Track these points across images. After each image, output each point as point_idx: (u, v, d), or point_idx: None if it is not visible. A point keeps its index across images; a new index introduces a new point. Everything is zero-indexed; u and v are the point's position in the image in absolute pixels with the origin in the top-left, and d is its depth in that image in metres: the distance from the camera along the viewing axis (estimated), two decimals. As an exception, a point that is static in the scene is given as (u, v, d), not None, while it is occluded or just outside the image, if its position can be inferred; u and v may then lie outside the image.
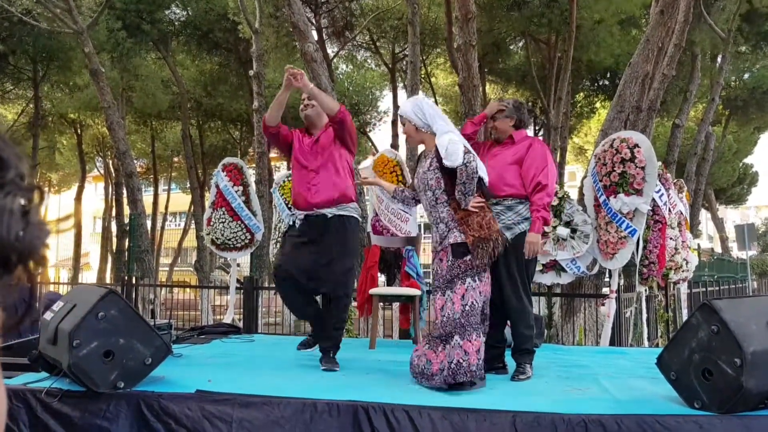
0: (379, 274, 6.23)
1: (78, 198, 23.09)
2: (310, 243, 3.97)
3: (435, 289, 3.49)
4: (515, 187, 3.84)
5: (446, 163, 3.33)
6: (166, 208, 26.18)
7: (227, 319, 7.21)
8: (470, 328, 3.33)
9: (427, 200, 3.52)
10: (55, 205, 32.46)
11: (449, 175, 3.41)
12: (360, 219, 4.06)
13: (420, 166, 3.64)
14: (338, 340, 4.06)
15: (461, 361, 3.27)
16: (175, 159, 24.93)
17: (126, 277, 10.05)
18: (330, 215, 3.94)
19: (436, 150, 3.44)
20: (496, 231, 3.43)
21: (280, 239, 6.59)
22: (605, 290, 7.14)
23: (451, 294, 3.37)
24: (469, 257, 3.36)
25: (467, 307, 3.34)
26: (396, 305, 6.88)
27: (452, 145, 3.30)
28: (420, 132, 3.58)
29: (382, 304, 6.08)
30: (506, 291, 3.76)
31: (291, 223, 4.41)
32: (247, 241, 7.14)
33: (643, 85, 7.88)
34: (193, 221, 20.81)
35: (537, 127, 21.35)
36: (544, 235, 5.80)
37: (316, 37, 11.86)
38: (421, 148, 3.79)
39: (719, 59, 16.30)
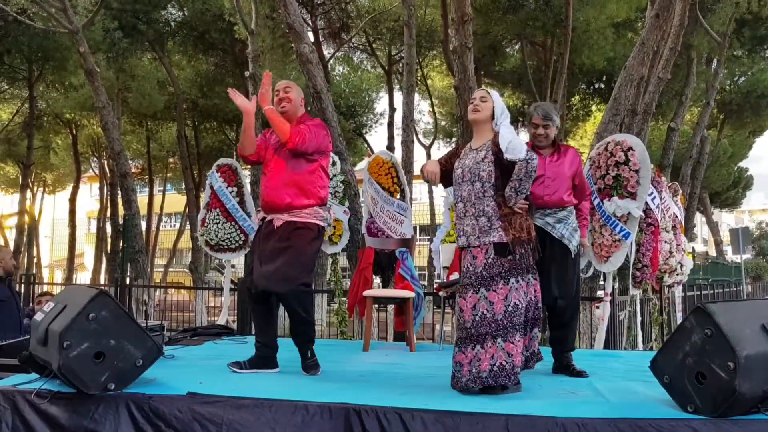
0: (373, 276, 6.22)
1: (73, 198, 23.02)
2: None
3: (465, 286, 3.36)
4: (571, 197, 4.09)
5: (507, 156, 3.21)
6: (162, 208, 26.12)
7: (221, 320, 7.18)
8: (513, 330, 3.25)
9: (474, 191, 3.41)
10: (50, 205, 32.34)
11: (502, 169, 3.33)
12: (323, 226, 3.79)
13: (466, 157, 3.51)
14: (305, 337, 3.83)
15: (504, 363, 3.22)
16: (171, 160, 24.88)
17: (120, 278, 10.01)
18: (280, 222, 3.72)
19: (494, 143, 3.36)
20: (534, 236, 3.42)
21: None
22: (600, 293, 7.13)
23: (489, 293, 3.28)
24: (511, 257, 3.30)
25: (510, 308, 3.26)
26: (390, 307, 6.86)
27: (517, 140, 3.24)
28: (488, 120, 3.48)
29: (376, 306, 6.06)
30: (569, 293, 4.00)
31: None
32: (241, 242, 7.12)
33: (638, 88, 7.90)
34: (188, 222, 20.76)
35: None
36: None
37: (312, 39, 11.86)
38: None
39: (714, 63, 16.37)
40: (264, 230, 3.80)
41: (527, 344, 3.45)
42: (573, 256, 3.96)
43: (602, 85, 18.11)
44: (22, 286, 10.30)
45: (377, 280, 6.55)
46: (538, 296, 3.46)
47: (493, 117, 3.47)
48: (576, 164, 4.09)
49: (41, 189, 28.02)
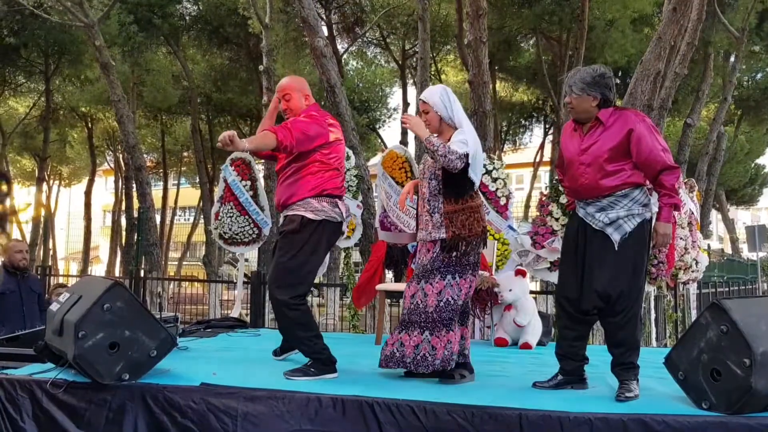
0: (386, 270, 6.21)
1: (88, 191, 23.20)
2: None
3: (415, 276, 3.49)
4: (620, 178, 3.22)
5: (440, 161, 3.31)
6: (176, 202, 26.27)
7: (234, 313, 7.21)
8: (441, 324, 3.36)
9: (430, 189, 3.48)
10: (65, 198, 32.62)
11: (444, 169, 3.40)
12: (316, 217, 3.55)
13: (427, 155, 3.58)
14: (304, 350, 3.61)
15: (427, 355, 3.34)
16: (185, 154, 25.02)
17: (134, 270, 10.08)
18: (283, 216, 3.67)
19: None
20: (477, 234, 3.41)
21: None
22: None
23: (426, 286, 3.39)
24: (455, 253, 3.38)
25: (442, 303, 3.36)
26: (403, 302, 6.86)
27: (451, 154, 3.27)
28: (442, 123, 3.49)
29: (388, 300, 6.06)
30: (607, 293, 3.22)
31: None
32: (254, 236, 7.13)
33: (654, 83, 7.82)
34: (202, 216, 20.87)
35: (547, 126, 21.28)
36: (554, 233, 5.78)
37: (326, 33, 11.86)
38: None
39: (732, 58, 16.17)
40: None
41: (464, 334, 3.54)
42: (617, 248, 3.18)
43: (618, 81, 17.97)
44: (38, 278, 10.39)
45: (389, 274, 6.55)
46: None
47: (443, 117, 3.47)
48: (622, 134, 3.18)
49: (57, 182, 28.29)
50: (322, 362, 3.51)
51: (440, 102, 3.46)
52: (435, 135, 3.44)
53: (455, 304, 3.38)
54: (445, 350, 3.34)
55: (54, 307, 3.34)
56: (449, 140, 3.41)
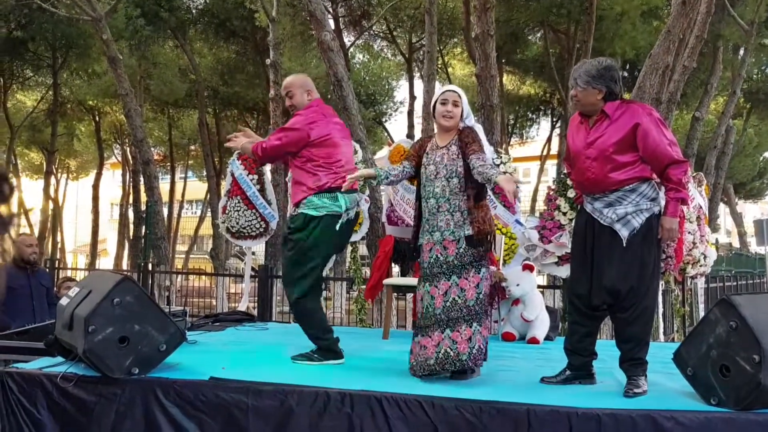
0: (393, 265, 6.21)
1: (96, 185, 23.29)
2: None
3: (436, 275, 3.45)
4: (627, 172, 3.18)
5: (481, 176, 3.33)
6: (183, 195, 26.34)
7: (242, 307, 7.24)
8: (484, 316, 3.40)
9: (450, 188, 3.47)
10: (73, 192, 32.75)
11: (466, 166, 3.46)
12: (318, 213, 3.72)
13: (434, 154, 3.57)
14: (315, 342, 3.76)
15: (482, 346, 3.34)
16: (192, 147, 25.07)
17: (142, 264, 10.12)
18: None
19: (463, 140, 3.49)
20: (493, 228, 3.53)
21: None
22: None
23: (460, 281, 3.39)
24: (482, 248, 3.43)
25: (481, 296, 3.39)
26: (410, 296, 6.87)
27: (488, 170, 3.33)
28: (459, 121, 3.57)
29: (395, 294, 6.06)
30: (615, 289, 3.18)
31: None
32: (261, 230, 7.15)
33: (663, 76, 7.78)
34: (209, 209, 20.93)
35: (555, 119, 21.20)
36: (561, 227, 5.76)
37: (332, 26, 11.83)
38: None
39: (742, 51, 16.05)
40: None
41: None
42: (626, 244, 3.14)
43: (626, 74, 17.87)
44: (47, 272, 10.45)
45: (396, 268, 6.55)
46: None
47: (463, 115, 3.58)
48: (629, 127, 3.13)
49: (65, 175, 28.40)
50: (327, 349, 3.70)
51: (466, 100, 3.59)
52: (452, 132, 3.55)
53: (486, 297, 3.45)
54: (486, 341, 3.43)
55: (64, 301, 3.36)
56: (454, 138, 3.53)
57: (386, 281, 5.38)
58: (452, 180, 3.48)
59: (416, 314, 6.22)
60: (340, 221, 3.72)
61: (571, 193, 5.62)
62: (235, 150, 4.04)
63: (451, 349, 3.31)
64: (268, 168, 7.47)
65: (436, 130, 3.72)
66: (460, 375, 3.37)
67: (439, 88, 3.74)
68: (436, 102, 3.60)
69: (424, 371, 3.34)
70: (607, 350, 3.66)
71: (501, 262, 5.38)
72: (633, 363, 3.19)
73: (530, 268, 5.29)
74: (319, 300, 3.88)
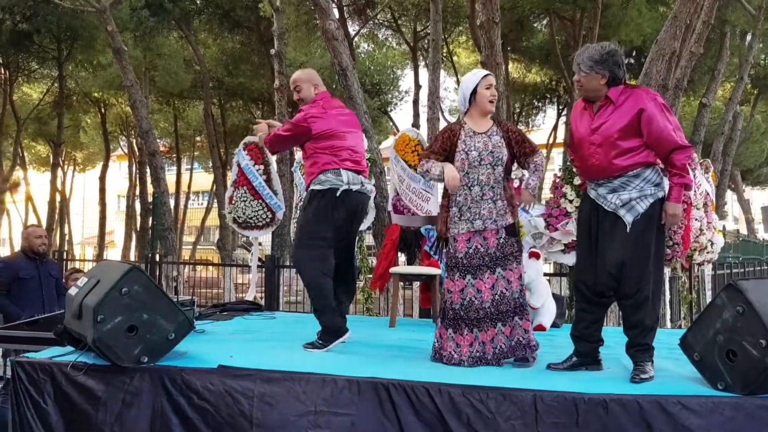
0: (399, 254, 6.22)
1: (102, 176, 23.35)
2: None
3: (478, 267, 3.41)
4: (632, 158, 3.17)
5: (531, 181, 3.58)
6: (189, 187, 26.39)
7: (249, 296, 7.27)
8: (527, 308, 3.51)
9: (494, 175, 3.47)
10: (80, 184, 32.86)
11: (510, 157, 3.54)
12: (321, 187, 3.93)
13: (474, 140, 3.47)
14: (316, 315, 3.92)
15: (531, 339, 3.45)
16: (198, 138, 25.07)
17: (150, 255, 10.17)
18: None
19: (510, 135, 3.54)
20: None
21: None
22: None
23: (506, 273, 3.44)
24: (517, 238, 3.52)
25: (522, 287, 3.48)
26: (416, 284, 6.88)
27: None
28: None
29: (402, 283, 6.08)
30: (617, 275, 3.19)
31: None
32: (268, 220, 7.17)
33: (669, 62, 7.72)
34: (215, 200, 20.95)
35: (561, 107, 21.11)
36: (567, 215, 5.75)
37: (337, 15, 11.78)
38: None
39: (749, 37, 15.92)
40: None
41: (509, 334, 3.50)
42: (630, 229, 3.12)
43: (632, 60, 17.75)
44: (56, 262, 10.52)
45: (402, 257, 6.56)
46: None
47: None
48: (633, 113, 3.12)
49: (72, 167, 28.48)
50: (328, 330, 3.80)
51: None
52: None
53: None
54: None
55: (73, 291, 3.39)
56: (492, 126, 3.56)
57: (393, 270, 5.40)
58: (497, 168, 3.47)
59: (423, 302, 6.25)
60: (340, 189, 3.86)
61: (577, 181, 5.61)
62: (260, 133, 4.27)
63: (523, 338, 3.44)
64: (273, 158, 7.46)
65: (468, 116, 3.59)
66: (523, 362, 3.44)
67: (475, 73, 3.63)
68: (476, 86, 3.52)
69: (493, 360, 3.42)
70: (613, 337, 3.67)
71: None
72: (639, 349, 3.18)
73: (536, 256, 5.30)
74: (321, 274, 3.87)
